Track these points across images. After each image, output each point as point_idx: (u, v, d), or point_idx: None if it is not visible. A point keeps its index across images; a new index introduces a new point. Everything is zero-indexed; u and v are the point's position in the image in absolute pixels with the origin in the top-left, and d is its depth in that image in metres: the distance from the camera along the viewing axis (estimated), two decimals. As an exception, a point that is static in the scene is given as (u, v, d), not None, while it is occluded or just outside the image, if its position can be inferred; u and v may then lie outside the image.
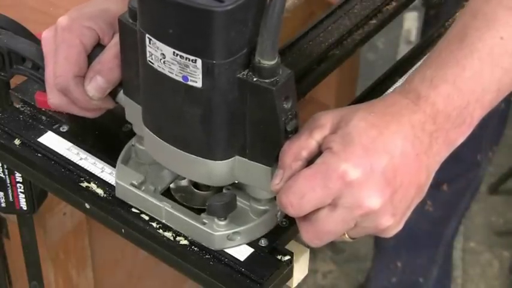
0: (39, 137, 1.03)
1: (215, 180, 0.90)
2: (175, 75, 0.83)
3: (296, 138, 0.85)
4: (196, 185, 0.96)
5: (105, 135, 1.04)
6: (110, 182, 0.98)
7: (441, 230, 1.85)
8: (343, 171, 0.80)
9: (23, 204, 1.15)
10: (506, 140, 2.24)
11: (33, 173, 1.03)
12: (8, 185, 1.14)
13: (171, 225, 0.93)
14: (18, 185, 1.14)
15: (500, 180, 2.30)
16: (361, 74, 2.12)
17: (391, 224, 0.84)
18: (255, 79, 0.82)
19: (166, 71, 0.83)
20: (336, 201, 0.81)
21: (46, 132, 1.04)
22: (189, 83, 0.82)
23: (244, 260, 0.91)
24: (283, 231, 0.94)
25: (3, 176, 1.13)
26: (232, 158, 0.87)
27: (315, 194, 0.81)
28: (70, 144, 1.03)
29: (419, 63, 0.94)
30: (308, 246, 0.94)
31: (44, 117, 1.06)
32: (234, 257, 0.91)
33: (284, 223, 0.95)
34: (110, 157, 1.01)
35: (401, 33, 2.53)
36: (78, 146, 1.02)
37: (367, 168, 0.81)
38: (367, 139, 0.81)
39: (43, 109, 1.07)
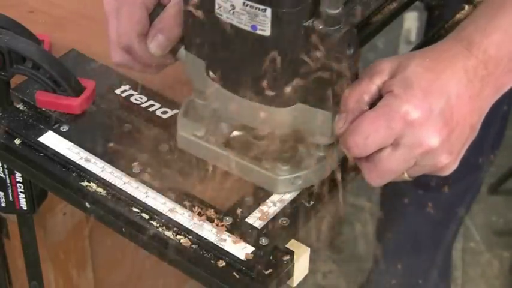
0: (39, 136, 1.04)
1: (277, 128, 0.94)
2: (244, 25, 0.87)
3: (357, 84, 0.90)
4: (254, 135, 0.99)
5: (105, 134, 1.04)
6: (110, 181, 0.98)
7: (441, 232, 1.84)
8: (405, 112, 0.87)
9: (23, 204, 1.15)
10: (506, 140, 2.23)
11: (33, 173, 1.03)
12: (8, 185, 1.14)
13: (234, 173, 0.98)
14: (18, 185, 1.14)
15: (500, 180, 2.30)
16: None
17: (449, 162, 0.90)
18: (320, 27, 0.86)
19: (235, 22, 0.87)
20: (398, 140, 0.88)
21: (46, 132, 1.04)
22: (258, 32, 0.87)
23: (245, 259, 0.91)
24: (284, 231, 0.94)
25: (3, 176, 1.13)
26: (294, 105, 0.92)
27: (378, 134, 0.87)
28: (70, 144, 1.03)
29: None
30: (309, 245, 0.95)
31: (44, 117, 1.06)
32: (234, 256, 0.91)
33: (285, 222, 0.95)
34: (110, 156, 1.01)
35: (401, 33, 2.53)
36: (78, 146, 1.02)
37: (426, 109, 0.87)
38: (425, 82, 0.88)
39: (43, 109, 1.07)
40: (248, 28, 0.87)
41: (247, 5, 0.86)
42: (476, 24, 0.92)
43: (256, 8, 0.86)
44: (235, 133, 1.00)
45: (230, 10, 0.87)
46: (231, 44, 0.90)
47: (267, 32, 0.87)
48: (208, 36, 0.92)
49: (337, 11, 0.86)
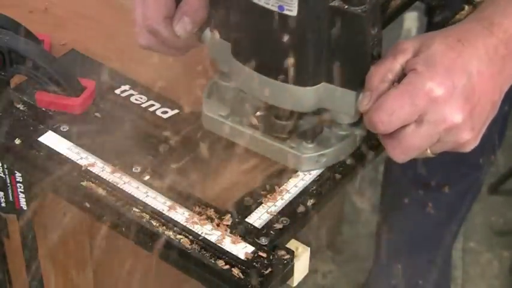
0: (39, 136, 1.04)
1: (302, 107, 0.97)
2: (272, 5, 0.90)
3: (381, 63, 0.93)
4: (276, 116, 1.01)
5: (105, 134, 1.04)
6: (110, 181, 0.98)
7: (442, 233, 1.84)
8: (428, 89, 0.89)
9: (23, 204, 1.15)
10: (506, 140, 2.23)
11: (33, 173, 1.03)
12: (8, 185, 1.14)
13: (259, 152, 1.01)
14: (18, 185, 1.14)
15: (500, 180, 2.30)
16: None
17: (470, 138, 0.93)
18: (346, 7, 0.89)
19: (262, 2, 0.90)
20: (421, 117, 0.90)
21: (46, 132, 1.04)
22: (285, 12, 0.89)
23: (245, 259, 0.91)
24: (284, 230, 0.94)
25: (3, 176, 1.13)
26: (319, 85, 0.94)
27: (403, 111, 0.90)
28: (70, 143, 1.03)
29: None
30: (309, 245, 0.95)
31: (44, 117, 1.06)
32: (235, 256, 0.91)
33: (285, 222, 0.95)
34: (110, 156, 1.01)
35: (401, 33, 2.53)
36: (78, 146, 1.02)
37: (449, 86, 0.90)
38: (447, 60, 0.91)
39: (43, 109, 1.07)
40: (275, 8, 0.89)
41: None
42: (496, 5, 0.95)
43: None
44: (260, 113, 1.02)
45: None
46: (257, 25, 0.92)
47: (294, 12, 0.89)
48: (234, 18, 0.94)
49: None
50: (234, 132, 1.02)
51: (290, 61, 0.92)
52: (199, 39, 1.02)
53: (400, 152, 0.93)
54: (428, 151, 0.94)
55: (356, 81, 0.94)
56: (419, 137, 0.92)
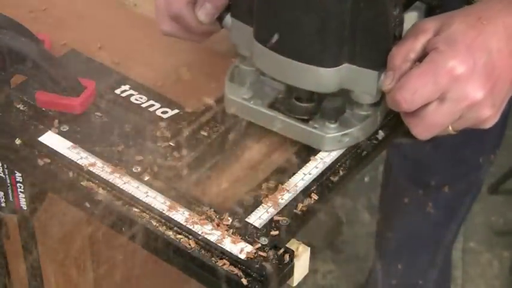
0: (39, 136, 1.04)
1: (325, 87, 0.98)
2: None
3: (403, 42, 0.96)
4: (297, 98, 1.03)
5: (105, 134, 1.04)
6: (110, 181, 0.98)
7: (442, 232, 1.84)
8: (450, 67, 0.92)
9: (23, 204, 1.15)
10: (506, 140, 2.23)
11: (33, 173, 1.03)
12: (8, 185, 1.14)
13: (282, 133, 1.03)
14: (18, 185, 1.14)
15: (500, 180, 2.30)
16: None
17: (491, 114, 0.96)
18: None
19: None
20: (444, 95, 0.93)
21: (46, 132, 1.04)
22: None
23: (245, 259, 0.91)
24: (284, 230, 0.94)
25: (3, 176, 1.13)
26: (341, 65, 0.96)
27: (425, 89, 0.92)
28: (70, 143, 1.03)
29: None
30: (309, 245, 0.95)
31: (44, 117, 1.06)
32: (235, 255, 0.91)
33: (285, 222, 0.95)
34: (110, 156, 1.01)
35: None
36: (78, 146, 1.02)
37: (470, 64, 0.92)
38: (468, 38, 0.93)
39: (43, 109, 1.07)
40: None
41: None
42: None
43: None
44: (281, 96, 1.04)
45: None
46: (279, 6, 0.94)
47: None
48: (256, 1, 0.96)
49: None
50: (257, 114, 1.04)
51: (312, 42, 0.94)
52: (221, 24, 1.04)
53: (423, 130, 0.96)
54: (450, 128, 0.97)
55: (378, 61, 0.96)
56: (442, 115, 0.94)
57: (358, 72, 0.96)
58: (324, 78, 0.97)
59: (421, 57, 0.95)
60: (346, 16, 0.92)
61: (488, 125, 0.97)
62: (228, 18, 1.03)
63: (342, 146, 1.02)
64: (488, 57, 0.93)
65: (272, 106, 1.04)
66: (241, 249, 0.92)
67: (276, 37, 0.96)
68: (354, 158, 1.03)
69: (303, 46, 0.95)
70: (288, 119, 1.02)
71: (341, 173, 1.01)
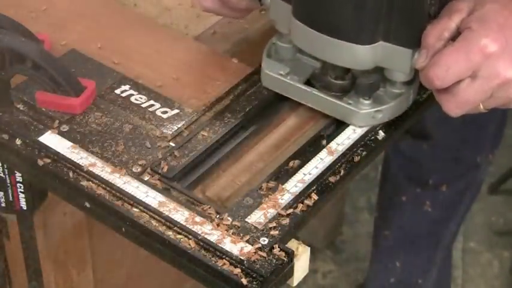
0: (39, 136, 1.04)
1: (360, 64, 1.02)
2: None
3: (437, 22, 0.97)
4: (332, 75, 1.06)
5: (105, 134, 1.04)
6: (110, 181, 0.98)
7: (440, 231, 1.84)
8: (483, 45, 0.94)
9: (23, 204, 1.15)
10: (506, 140, 2.23)
11: (33, 173, 1.03)
12: (8, 185, 1.14)
13: (317, 108, 1.06)
14: (18, 185, 1.14)
15: (500, 180, 2.30)
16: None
17: None
18: None
19: None
20: (476, 72, 0.94)
21: (46, 132, 1.04)
22: None
23: (244, 259, 0.91)
24: (284, 230, 0.94)
25: (3, 176, 1.13)
26: (377, 43, 0.99)
27: (458, 66, 0.94)
28: (70, 143, 1.03)
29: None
30: (309, 245, 0.95)
31: (44, 117, 1.06)
32: (234, 255, 0.91)
33: (285, 221, 0.95)
34: (110, 156, 1.01)
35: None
36: (78, 146, 1.02)
37: (503, 43, 0.94)
38: (501, 18, 0.95)
39: (43, 109, 1.07)
40: None
41: None
42: None
43: None
44: (316, 72, 1.07)
45: None
46: None
47: None
48: None
49: None
50: (293, 89, 1.06)
51: (349, 19, 0.97)
52: (261, 1, 1.07)
53: (455, 106, 0.97)
54: (481, 106, 0.97)
55: (412, 39, 0.98)
56: (474, 92, 0.95)
57: (393, 50, 0.99)
58: (359, 55, 0.99)
59: (455, 37, 0.96)
60: None
61: None
62: None
63: (375, 122, 1.05)
64: None
65: (308, 82, 1.06)
66: (241, 249, 0.92)
67: (313, 14, 0.99)
68: (354, 158, 1.03)
69: (340, 23, 0.98)
70: (323, 94, 1.05)
71: (341, 173, 1.01)
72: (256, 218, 0.95)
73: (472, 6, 0.97)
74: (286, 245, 0.93)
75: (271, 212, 0.96)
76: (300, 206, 0.97)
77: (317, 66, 1.08)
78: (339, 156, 1.02)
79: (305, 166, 1.01)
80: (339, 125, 1.06)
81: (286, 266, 0.91)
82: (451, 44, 0.96)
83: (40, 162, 1.01)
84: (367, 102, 1.04)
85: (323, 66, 1.07)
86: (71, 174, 1.00)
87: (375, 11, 0.96)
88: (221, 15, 1.14)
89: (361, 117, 1.04)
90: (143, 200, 0.97)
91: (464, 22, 0.96)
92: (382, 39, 0.98)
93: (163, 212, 0.95)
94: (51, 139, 1.03)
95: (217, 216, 0.95)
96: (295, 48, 1.08)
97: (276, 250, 0.92)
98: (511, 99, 0.97)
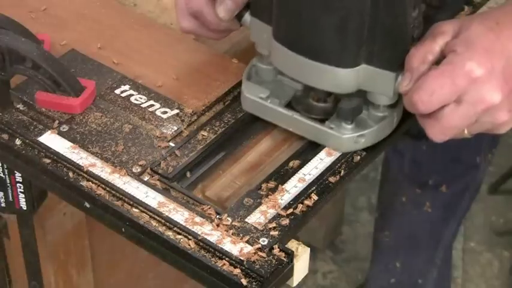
0: (39, 136, 1.04)
1: (342, 88, 0.99)
2: None
3: (421, 44, 0.95)
4: (314, 98, 1.04)
5: (105, 134, 1.04)
6: (110, 181, 0.98)
7: (440, 231, 1.84)
8: (468, 69, 0.91)
9: (23, 204, 1.15)
10: (506, 140, 2.24)
11: (33, 173, 1.03)
12: (8, 185, 1.14)
13: (298, 133, 1.03)
14: (18, 185, 1.14)
15: (500, 180, 2.30)
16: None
17: (507, 119, 0.94)
18: None
19: None
20: (461, 97, 0.92)
21: (46, 132, 1.04)
22: None
23: (244, 259, 0.91)
24: (284, 230, 0.94)
25: (3, 176, 1.13)
26: (359, 66, 0.96)
27: (443, 91, 0.92)
28: (70, 144, 1.03)
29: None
30: (309, 245, 0.95)
31: (44, 117, 1.06)
32: (234, 256, 0.91)
33: (285, 222, 0.95)
34: (110, 156, 1.01)
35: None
36: (78, 146, 1.02)
37: (489, 67, 0.91)
38: (487, 41, 0.92)
39: (43, 109, 1.07)
40: None
41: None
42: None
43: None
44: (298, 95, 1.05)
45: None
46: (299, 6, 0.94)
47: None
48: (276, 0, 0.96)
49: None
50: (273, 113, 1.03)
51: (331, 42, 0.94)
52: (240, 22, 1.05)
53: (439, 132, 0.95)
54: (466, 131, 0.96)
55: (396, 62, 0.96)
56: (458, 117, 0.93)
57: (376, 73, 0.96)
58: (341, 78, 0.97)
59: (439, 60, 0.94)
60: (365, 16, 0.92)
61: (504, 130, 0.96)
62: (247, 16, 1.04)
63: (358, 147, 1.02)
64: (506, 61, 0.92)
65: (289, 105, 1.04)
66: (240, 249, 0.92)
67: (294, 37, 0.96)
68: (354, 159, 1.03)
69: (321, 46, 0.95)
70: (305, 119, 1.02)
71: (341, 173, 1.01)
72: (256, 218, 0.95)
73: (457, 28, 0.95)
74: (286, 246, 0.93)
75: (271, 212, 0.96)
76: (300, 206, 0.97)
77: (299, 88, 1.05)
78: (338, 157, 1.02)
79: (305, 166, 1.01)
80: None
81: (286, 267, 0.91)
82: (435, 68, 0.93)
83: (40, 163, 1.01)
84: (349, 126, 1.01)
85: (305, 89, 1.04)
86: (70, 174, 1.00)
87: (357, 34, 0.94)
88: (200, 36, 1.12)
89: (343, 143, 1.01)
90: (143, 200, 0.97)
91: (449, 45, 0.94)
92: (364, 62, 0.96)
93: (163, 212, 0.95)
94: (51, 139, 1.03)
95: (217, 216, 0.95)
96: (276, 69, 1.05)
97: (276, 250, 0.92)
98: (496, 124, 0.95)
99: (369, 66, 0.96)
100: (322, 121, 1.02)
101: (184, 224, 0.94)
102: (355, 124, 1.01)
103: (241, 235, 0.93)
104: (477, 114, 0.93)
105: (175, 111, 1.08)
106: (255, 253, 0.91)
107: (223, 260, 0.91)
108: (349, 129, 1.01)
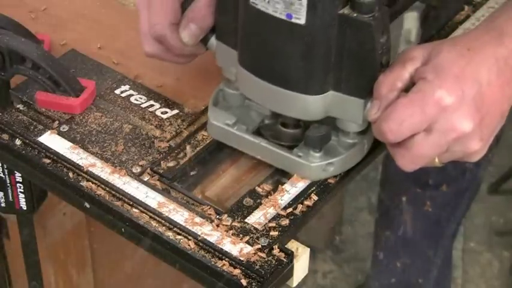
0: (39, 136, 1.04)
1: (310, 115, 0.96)
2: (279, 13, 0.89)
3: (390, 71, 0.92)
4: (283, 124, 1.01)
5: (104, 134, 1.04)
6: (109, 181, 0.98)
7: (440, 231, 1.85)
8: (438, 97, 0.88)
9: (22, 204, 1.15)
10: (506, 140, 2.23)
11: (33, 173, 1.03)
12: (8, 185, 1.14)
13: (266, 161, 1.00)
14: (18, 185, 1.14)
15: (500, 180, 2.30)
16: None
17: (479, 148, 0.91)
18: (355, 15, 0.88)
19: (270, 11, 0.89)
20: (431, 126, 0.89)
21: (46, 132, 1.04)
22: (293, 20, 0.88)
23: (244, 260, 0.91)
24: (283, 231, 0.94)
25: (3, 176, 1.13)
26: (327, 93, 0.93)
27: (413, 120, 0.89)
28: (70, 144, 1.03)
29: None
30: (309, 245, 0.95)
31: (44, 117, 1.06)
32: (234, 256, 0.91)
33: (285, 222, 0.95)
34: (109, 156, 1.01)
35: (401, 33, 2.53)
36: (78, 146, 1.02)
37: (459, 95, 0.88)
38: (457, 68, 0.89)
39: (43, 109, 1.07)
40: (283, 17, 0.89)
41: None
42: (507, 15, 0.93)
43: None
44: (266, 121, 1.02)
45: None
46: (265, 33, 0.91)
47: (302, 21, 0.88)
48: (241, 26, 0.93)
49: None
50: (240, 141, 1.00)
51: (297, 69, 0.91)
52: (206, 46, 1.01)
53: (409, 161, 0.92)
54: (437, 160, 0.93)
55: (364, 89, 0.93)
56: (429, 146, 0.90)
57: (344, 100, 0.93)
58: (309, 105, 0.94)
59: (409, 87, 0.91)
60: (331, 42, 0.90)
61: (475, 158, 0.93)
62: (213, 40, 1.00)
63: (328, 175, 0.99)
64: (477, 88, 0.89)
65: (257, 132, 1.01)
66: (240, 250, 0.92)
67: (260, 63, 0.93)
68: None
69: (287, 72, 0.92)
70: (272, 146, 0.99)
71: (341, 173, 1.01)
72: (256, 218, 0.95)
73: (427, 54, 0.92)
74: (285, 246, 0.93)
75: (271, 212, 0.96)
76: (300, 206, 0.97)
77: (267, 114, 1.01)
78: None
79: (305, 167, 1.01)
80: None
81: (286, 267, 0.91)
82: (404, 95, 0.90)
83: (40, 163, 1.01)
84: (317, 154, 0.97)
85: (273, 114, 1.01)
86: (70, 174, 1.00)
87: (323, 60, 0.91)
88: (165, 60, 1.07)
89: (312, 171, 0.98)
90: (143, 200, 0.97)
91: (419, 72, 0.91)
92: (332, 89, 0.93)
93: (163, 212, 0.95)
94: (51, 139, 1.03)
95: (217, 216, 0.95)
96: (244, 94, 1.01)
97: (276, 251, 0.92)
98: (468, 153, 0.92)
99: (337, 93, 0.93)
100: (291, 148, 0.99)
101: (184, 224, 0.94)
102: (324, 151, 0.98)
103: (241, 235, 0.93)
104: (448, 143, 0.90)
105: (175, 111, 1.08)
106: (255, 253, 0.91)
107: (223, 261, 0.91)
108: (317, 157, 0.97)
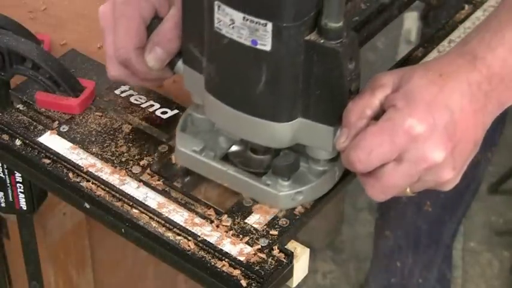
0: (39, 136, 1.04)
1: (278, 143, 0.93)
2: (244, 39, 0.85)
3: (359, 98, 0.89)
4: (253, 150, 0.98)
5: (104, 135, 1.04)
6: (109, 181, 0.98)
7: (440, 231, 1.84)
8: (408, 126, 0.85)
9: (22, 204, 1.15)
10: (506, 140, 2.23)
11: (33, 173, 1.03)
12: (8, 185, 1.14)
13: (234, 189, 0.97)
14: (18, 185, 1.14)
15: (500, 180, 2.30)
16: (361, 74, 2.12)
17: (451, 177, 0.88)
18: (322, 41, 0.85)
19: (235, 37, 0.86)
20: (401, 155, 0.86)
21: (46, 132, 1.04)
22: (258, 47, 0.85)
23: (244, 260, 0.91)
24: (283, 231, 0.94)
25: (3, 176, 1.13)
26: (295, 120, 0.90)
27: (382, 149, 0.85)
28: (70, 144, 1.03)
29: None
30: (308, 245, 0.95)
31: (44, 117, 1.06)
32: (234, 257, 0.91)
33: (284, 223, 0.95)
34: (109, 156, 1.01)
35: (401, 33, 2.53)
36: (78, 146, 1.02)
37: (430, 123, 0.85)
38: (428, 95, 0.86)
39: (43, 109, 1.07)
40: (248, 43, 0.85)
41: (247, 20, 0.84)
42: (481, 38, 0.90)
43: (256, 23, 0.84)
44: (234, 148, 0.99)
45: (230, 25, 0.85)
46: (230, 59, 0.88)
47: (268, 47, 0.85)
48: (206, 51, 0.90)
49: (339, 24, 0.84)
50: (207, 168, 0.97)
51: (264, 96, 0.88)
52: (173, 70, 0.98)
53: (379, 191, 0.88)
54: (408, 190, 0.89)
55: (333, 116, 0.89)
56: (399, 176, 0.87)
57: (313, 127, 0.90)
58: (276, 133, 0.91)
59: (379, 114, 0.88)
60: (299, 69, 0.86)
61: (448, 188, 0.90)
62: (180, 64, 0.97)
63: (297, 204, 0.95)
64: (450, 116, 0.86)
65: (225, 158, 0.98)
66: (240, 250, 0.92)
67: (226, 89, 0.91)
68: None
69: (253, 99, 0.89)
70: (240, 174, 0.96)
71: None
72: (256, 219, 0.95)
73: (397, 81, 0.88)
74: (285, 246, 0.93)
75: (271, 213, 0.96)
76: (299, 207, 0.97)
77: (236, 139, 0.98)
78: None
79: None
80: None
81: (285, 267, 0.91)
82: (374, 124, 0.86)
83: (40, 163, 1.01)
84: (286, 183, 0.94)
85: (242, 140, 0.98)
86: (70, 174, 1.00)
87: (290, 87, 0.87)
88: (131, 84, 1.05)
89: (280, 200, 0.94)
90: (143, 200, 0.97)
91: (389, 99, 0.87)
92: (301, 116, 0.90)
93: (163, 213, 0.95)
94: (51, 139, 1.03)
95: (217, 217, 0.95)
96: None
97: (276, 251, 0.92)
98: (440, 183, 0.88)
99: (306, 120, 0.90)
100: (261, 175, 0.96)
101: (184, 224, 0.94)
102: (293, 179, 0.94)
103: (241, 236, 0.93)
104: (419, 173, 0.86)
105: (175, 111, 1.08)
106: (254, 254, 0.91)
107: (223, 261, 0.91)
108: (286, 186, 0.94)
